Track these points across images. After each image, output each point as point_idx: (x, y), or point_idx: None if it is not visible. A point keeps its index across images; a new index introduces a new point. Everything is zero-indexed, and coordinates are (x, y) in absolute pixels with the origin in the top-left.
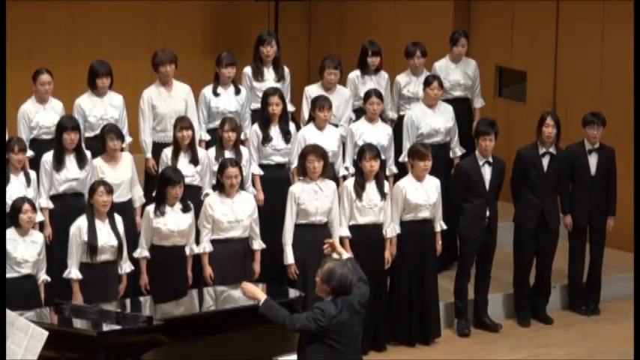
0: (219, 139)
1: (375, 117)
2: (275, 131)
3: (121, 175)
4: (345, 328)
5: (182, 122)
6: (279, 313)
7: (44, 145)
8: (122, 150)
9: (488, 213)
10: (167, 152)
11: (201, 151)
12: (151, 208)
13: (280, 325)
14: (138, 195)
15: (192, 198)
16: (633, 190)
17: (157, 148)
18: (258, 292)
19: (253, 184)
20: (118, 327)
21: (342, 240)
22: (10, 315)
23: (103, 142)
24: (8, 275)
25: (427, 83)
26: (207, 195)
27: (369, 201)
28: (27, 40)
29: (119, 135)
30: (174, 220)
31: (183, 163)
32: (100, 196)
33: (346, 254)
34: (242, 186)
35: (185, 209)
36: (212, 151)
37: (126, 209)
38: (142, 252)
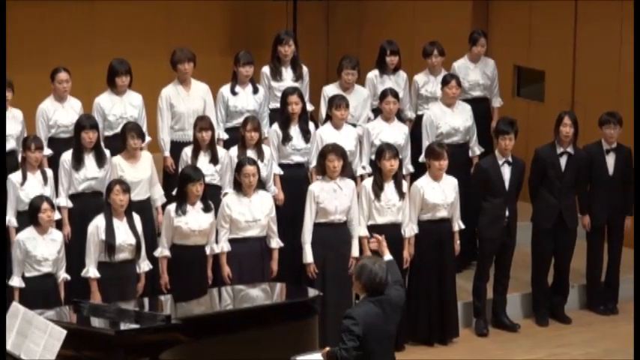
0: (242, 138)
1: (392, 116)
2: (295, 131)
3: (140, 173)
4: (375, 328)
5: (202, 122)
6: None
7: (62, 144)
8: (142, 149)
9: (507, 213)
10: (187, 151)
11: (221, 151)
12: (172, 207)
13: (303, 328)
14: (159, 194)
15: (212, 197)
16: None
17: (175, 146)
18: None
19: (274, 183)
20: (136, 326)
21: (360, 240)
22: (29, 314)
23: (123, 140)
24: (28, 274)
25: (445, 82)
26: (226, 194)
27: (388, 201)
28: (45, 39)
29: (140, 133)
30: (195, 220)
31: (203, 163)
32: (116, 195)
33: (388, 256)
34: (264, 185)
35: (206, 209)
36: (234, 150)
37: (144, 208)
38: (163, 251)
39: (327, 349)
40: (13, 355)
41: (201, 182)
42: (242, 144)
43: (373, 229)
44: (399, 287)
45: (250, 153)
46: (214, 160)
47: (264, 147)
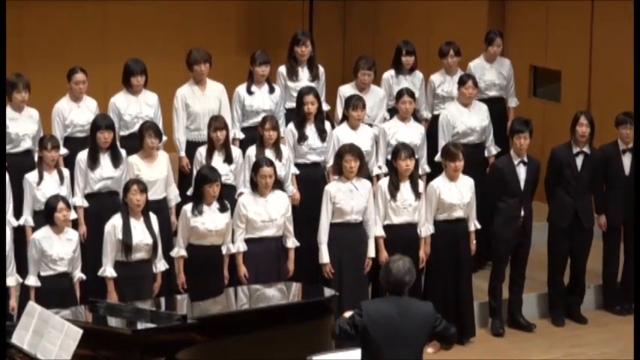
0: (260, 137)
1: (408, 116)
2: (311, 130)
3: (157, 173)
4: (383, 327)
5: (216, 122)
6: (338, 321)
7: (78, 144)
8: (158, 148)
9: (522, 212)
10: (201, 151)
11: (235, 150)
12: (188, 207)
13: (319, 328)
14: (174, 194)
15: (227, 197)
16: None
17: (191, 146)
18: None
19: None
20: (152, 325)
21: (376, 240)
22: (45, 313)
23: (140, 139)
24: (44, 273)
25: (462, 82)
26: (241, 194)
27: (404, 201)
28: (61, 39)
29: (157, 133)
30: (211, 220)
31: (218, 162)
32: (133, 195)
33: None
34: (281, 185)
35: (222, 209)
36: (252, 149)
37: (161, 208)
38: (180, 251)
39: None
40: (30, 355)
41: (217, 183)
42: (260, 143)
43: (389, 228)
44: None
45: (268, 152)
46: (229, 159)
47: (282, 147)
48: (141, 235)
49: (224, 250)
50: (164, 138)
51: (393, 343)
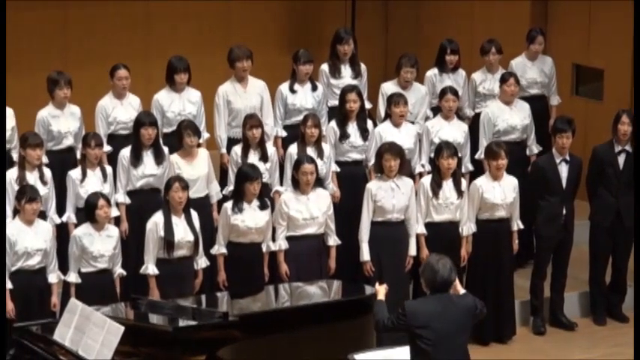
0: (302, 135)
1: (451, 114)
2: (352, 128)
3: (197, 170)
4: (430, 325)
5: (251, 120)
6: (380, 313)
7: (121, 141)
8: (199, 146)
9: (564, 211)
10: (237, 150)
11: (270, 148)
12: (228, 204)
13: (359, 326)
14: (215, 191)
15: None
16: None
17: (232, 143)
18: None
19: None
20: (193, 323)
21: (418, 237)
22: (87, 310)
23: (179, 138)
24: (84, 270)
25: (503, 80)
26: (276, 192)
27: (446, 199)
28: (104, 37)
29: (196, 131)
30: (251, 217)
31: (253, 161)
32: (175, 192)
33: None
34: (321, 183)
35: (262, 206)
36: (294, 147)
37: (202, 205)
38: (220, 249)
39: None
40: (72, 351)
41: (258, 181)
42: (302, 141)
43: (430, 226)
44: (474, 298)
45: (310, 150)
46: (264, 157)
47: (324, 144)
48: (182, 232)
49: (264, 248)
50: (206, 135)
51: (443, 341)
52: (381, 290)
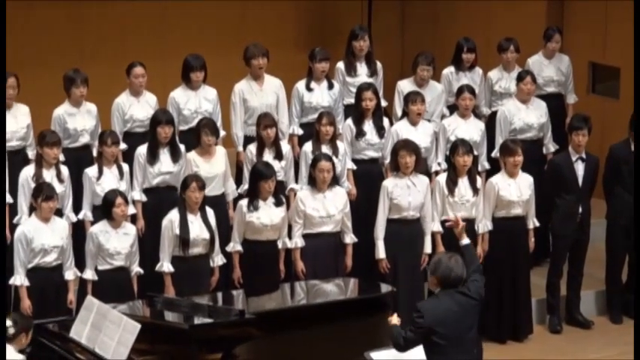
0: (317, 133)
1: (468, 112)
2: (368, 126)
3: (215, 168)
4: (446, 322)
5: (265, 120)
6: (397, 332)
7: (138, 138)
8: (216, 144)
9: (580, 209)
10: (251, 149)
11: (285, 146)
12: (244, 202)
13: (376, 324)
14: (231, 189)
15: None
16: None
17: (248, 141)
18: None
19: (347, 179)
20: (210, 320)
21: (433, 235)
22: (103, 307)
23: (197, 137)
24: (101, 267)
25: (520, 79)
26: (291, 190)
27: (461, 197)
28: (120, 35)
29: (214, 130)
30: (267, 214)
31: (268, 159)
32: (192, 192)
33: (465, 240)
34: (337, 181)
35: (278, 203)
36: (308, 145)
37: (219, 203)
38: (235, 246)
39: (396, 319)
40: (88, 349)
41: (273, 179)
42: (317, 139)
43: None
44: (477, 278)
45: (325, 148)
46: (279, 156)
47: (339, 142)
48: (198, 230)
49: (280, 245)
50: (222, 133)
51: (459, 336)
52: (394, 319)
